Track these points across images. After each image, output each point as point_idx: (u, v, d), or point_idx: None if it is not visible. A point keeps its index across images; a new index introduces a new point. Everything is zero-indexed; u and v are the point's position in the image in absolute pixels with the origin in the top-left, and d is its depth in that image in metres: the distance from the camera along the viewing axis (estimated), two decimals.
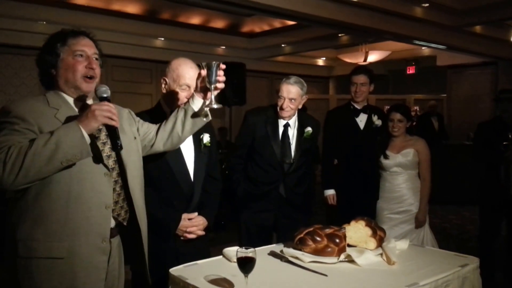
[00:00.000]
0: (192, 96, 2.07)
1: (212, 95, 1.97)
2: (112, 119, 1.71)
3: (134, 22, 8.30)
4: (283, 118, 2.99)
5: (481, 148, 4.07)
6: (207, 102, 2.01)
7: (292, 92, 2.90)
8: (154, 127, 2.14)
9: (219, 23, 9.19)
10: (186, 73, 2.30)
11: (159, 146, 2.12)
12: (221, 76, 1.96)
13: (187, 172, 2.36)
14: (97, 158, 1.77)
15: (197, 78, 2.02)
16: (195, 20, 8.85)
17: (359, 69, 3.79)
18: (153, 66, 9.36)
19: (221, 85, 1.98)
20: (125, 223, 1.89)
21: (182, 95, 2.29)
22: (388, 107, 3.71)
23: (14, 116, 1.67)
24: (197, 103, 2.04)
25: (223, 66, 1.96)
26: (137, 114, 2.41)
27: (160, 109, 2.41)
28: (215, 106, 1.98)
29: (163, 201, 2.32)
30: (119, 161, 1.85)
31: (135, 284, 2.36)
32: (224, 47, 10.06)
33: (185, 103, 2.10)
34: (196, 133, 2.36)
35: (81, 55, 1.81)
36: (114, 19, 8.06)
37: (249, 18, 8.84)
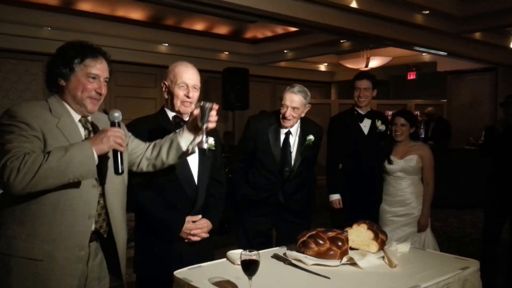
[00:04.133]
0: (182, 129, 2.10)
1: (204, 134, 2.00)
2: (121, 145, 1.78)
3: (138, 28, 8.40)
4: (285, 126, 2.97)
5: (492, 145, 4.10)
6: (197, 141, 2.03)
7: (295, 101, 2.87)
8: (143, 144, 2.17)
9: (222, 29, 9.27)
10: (183, 72, 2.32)
11: (143, 166, 2.16)
12: (213, 116, 2.00)
13: (191, 175, 2.36)
14: None
15: (189, 116, 2.06)
16: (199, 26, 8.94)
17: (362, 74, 3.80)
18: (157, 71, 9.43)
19: (212, 125, 2.02)
20: (105, 236, 1.91)
21: (181, 94, 2.32)
22: (390, 112, 3.73)
23: (20, 121, 1.70)
24: (185, 137, 2.08)
25: (216, 107, 2.00)
26: (140, 119, 2.47)
27: (164, 114, 2.43)
28: (205, 146, 2.02)
29: (167, 204, 2.32)
30: (100, 175, 1.87)
31: (140, 287, 2.41)
32: (227, 53, 10.14)
33: (173, 133, 2.14)
34: None
35: (94, 78, 1.85)
36: (118, 25, 8.16)
37: (252, 24, 8.91)
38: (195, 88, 2.34)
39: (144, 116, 2.51)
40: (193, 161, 2.38)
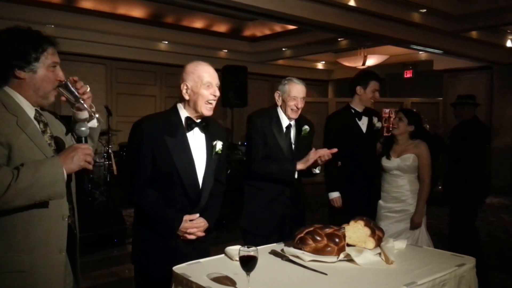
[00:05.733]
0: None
1: (87, 109, 1.83)
2: (90, 163, 1.72)
3: (139, 26, 8.45)
4: (293, 118, 3.07)
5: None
6: (86, 117, 1.86)
7: (302, 91, 3.03)
8: None
9: (221, 27, 9.32)
10: (205, 71, 2.31)
11: None
12: (81, 88, 1.81)
13: (196, 179, 2.36)
14: None
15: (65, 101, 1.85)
16: (198, 24, 8.99)
17: (376, 74, 3.81)
18: (157, 69, 9.45)
19: (87, 95, 1.83)
20: (75, 231, 1.88)
21: (207, 93, 2.30)
22: (387, 110, 3.72)
23: None
24: (80, 115, 1.88)
25: (76, 78, 1.82)
26: (152, 117, 2.43)
27: (177, 113, 2.38)
28: (96, 115, 1.87)
29: (167, 202, 2.32)
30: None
31: (138, 281, 2.44)
32: (226, 51, 10.21)
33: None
34: (210, 140, 2.40)
35: (54, 66, 1.76)
36: (119, 22, 8.22)
37: (251, 22, 8.99)
38: (217, 87, 2.35)
39: (155, 114, 2.50)
40: (200, 165, 2.39)
